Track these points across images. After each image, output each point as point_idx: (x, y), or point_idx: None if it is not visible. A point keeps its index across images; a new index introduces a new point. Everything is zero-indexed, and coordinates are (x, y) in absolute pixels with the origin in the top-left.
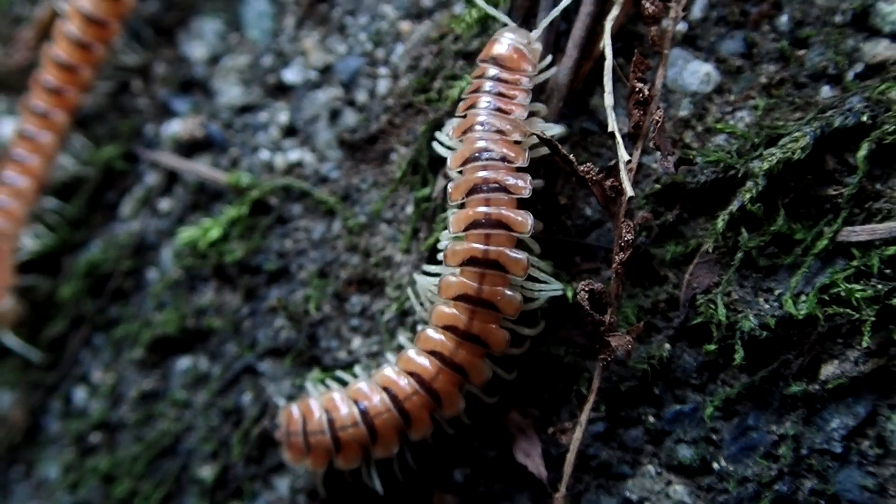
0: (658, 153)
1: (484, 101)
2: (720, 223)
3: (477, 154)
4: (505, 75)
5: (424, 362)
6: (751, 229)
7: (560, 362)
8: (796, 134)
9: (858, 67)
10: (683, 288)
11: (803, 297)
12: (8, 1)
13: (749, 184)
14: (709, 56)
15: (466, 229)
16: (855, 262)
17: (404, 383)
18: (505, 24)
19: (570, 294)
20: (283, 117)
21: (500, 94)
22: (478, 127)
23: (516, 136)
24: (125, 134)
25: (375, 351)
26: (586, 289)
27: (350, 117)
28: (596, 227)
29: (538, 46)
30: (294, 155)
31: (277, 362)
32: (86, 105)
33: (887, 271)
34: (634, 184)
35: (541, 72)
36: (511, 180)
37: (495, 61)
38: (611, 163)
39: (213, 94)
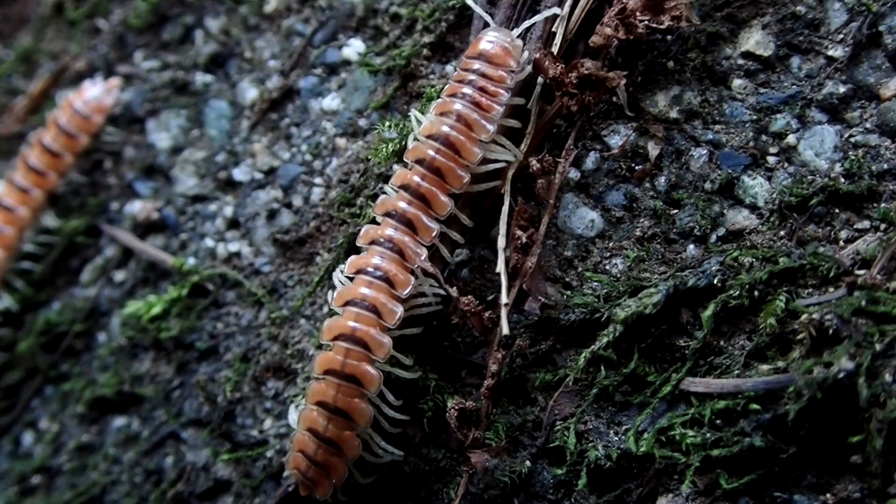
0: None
1: (463, 90)
2: (581, 360)
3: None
4: (490, 71)
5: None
6: (609, 368)
7: (437, 464)
8: (651, 290)
9: (721, 231)
10: (547, 412)
11: (645, 435)
12: (5, 73)
13: (609, 328)
14: (596, 204)
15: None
16: (692, 410)
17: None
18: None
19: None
20: (229, 211)
21: (482, 89)
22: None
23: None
24: (93, 208)
25: (284, 433)
26: (456, 407)
27: (286, 218)
28: (482, 346)
29: (519, 42)
30: (234, 246)
31: (198, 432)
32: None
33: (717, 422)
34: (517, 312)
35: (523, 68)
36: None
37: (482, 57)
38: (489, 298)
39: (172, 181)
